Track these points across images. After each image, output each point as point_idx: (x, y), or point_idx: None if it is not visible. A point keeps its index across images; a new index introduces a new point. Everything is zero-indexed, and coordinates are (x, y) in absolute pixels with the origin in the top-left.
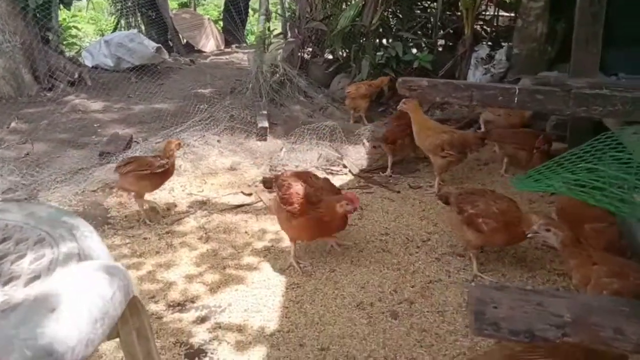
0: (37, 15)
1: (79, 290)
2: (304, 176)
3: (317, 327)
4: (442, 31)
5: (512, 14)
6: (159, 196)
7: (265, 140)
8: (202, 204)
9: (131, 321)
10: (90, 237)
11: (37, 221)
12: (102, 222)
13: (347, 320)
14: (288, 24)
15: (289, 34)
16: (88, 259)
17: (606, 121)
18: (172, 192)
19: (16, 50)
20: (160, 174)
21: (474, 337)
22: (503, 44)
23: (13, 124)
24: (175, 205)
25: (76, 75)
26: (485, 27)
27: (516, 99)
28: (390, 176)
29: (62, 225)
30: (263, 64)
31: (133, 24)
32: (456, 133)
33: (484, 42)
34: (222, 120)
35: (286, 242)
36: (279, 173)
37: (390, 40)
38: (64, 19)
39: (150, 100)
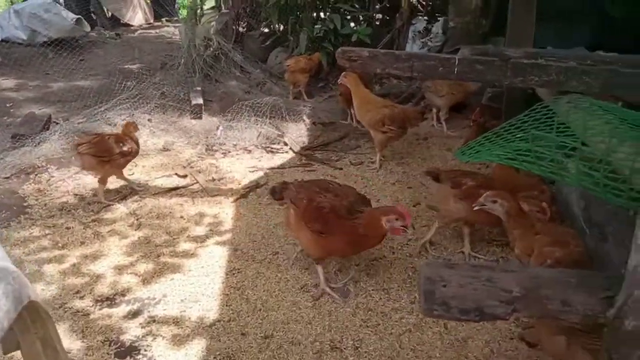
0: None
1: None
2: (322, 185)
3: (260, 314)
4: (379, 4)
5: None
6: (82, 182)
7: (200, 118)
8: (132, 189)
9: (33, 329)
10: None
11: None
12: (18, 212)
13: (292, 304)
14: None
15: (223, 7)
16: None
17: (539, 92)
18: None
19: None
20: (123, 157)
21: (420, 314)
22: (439, 17)
23: None
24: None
25: None
26: (421, 0)
27: (456, 69)
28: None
29: None
30: (196, 38)
31: None
32: (397, 107)
33: (421, 16)
34: (152, 98)
35: (226, 226)
36: (290, 182)
37: (328, 13)
38: None
39: (70, 77)
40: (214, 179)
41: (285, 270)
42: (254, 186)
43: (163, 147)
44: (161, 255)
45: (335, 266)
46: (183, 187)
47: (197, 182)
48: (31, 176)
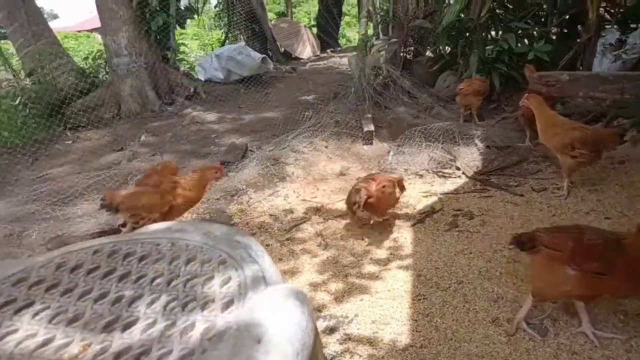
0: (158, 36)
1: (279, 319)
2: (574, 228)
3: (452, 344)
4: (557, 18)
5: None
6: (275, 203)
7: (371, 144)
8: (317, 210)
9: (315, 349)
10: (263, 257)
11: (215, 241)
12: None
13: (484, 337)
14: (390, 25)
15: (390, 35)
16: (270, 282)
17: None
18: (287, 198)
19: (141, 70)
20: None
21: None
22: (633, 25)
23: (143, 137)
24: (292, 212)
25: (192, 90)
26: (609, 8)
27: None
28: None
29: (238, 245)
30: (365, 67)
31: (239, 38)
32: (588, 129)
33: (609, 26)
34: (328, 126)
35: (406, 250)
36: (537, 231)
37: (500, 33)
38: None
39: (258, 110)
40: None
41: (472, 300)
42: (430, 211)
43: (340, 172)
44: (349, 276)
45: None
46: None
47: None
48: (235, 198)
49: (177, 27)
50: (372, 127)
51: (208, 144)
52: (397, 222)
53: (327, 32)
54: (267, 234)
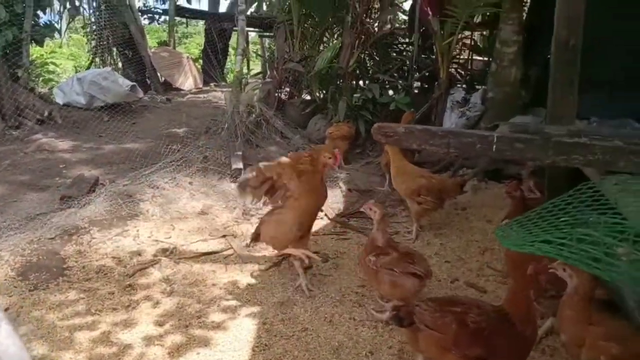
0: (7, 52)
1: None
2: (451, 300)
3: None
4: (417, 74)
5: (486, 58)
6: (121, 244)
7: None
8: (169, 252)
9: None
10: None
11: None
12: (57, 273)
13: None
14: (267, 64)
15: (267, 75)
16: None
17: (585, 169)
18: (137, 239)
19: None
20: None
21: None
22: (477, 87)
23: None
24: (139, 254)
25: (46, 114)
26: (460, 70)
27: (494, 146)
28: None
29: None
30: (239, 104)
31: (109, 62)
32: (434, 178)
33: (459, 85)
34: (194, 161)
35: (258, 296)
36: (415, 304)
37: (367, 82)
38: (41, 55)
39: (121, 140)
40: (248, 245)
41: (314, 350)
42: (287, 254)
43: (201, 210)
44: (190, 327)
45: (365, 348)
46: (217, 252)
47: (232, 247)
48: (74, 237)
49: (34, 45)
50: (241, 165)
51: (52, 174)
52: (254, 265)
53: (212, 65)
54: (105, 279)
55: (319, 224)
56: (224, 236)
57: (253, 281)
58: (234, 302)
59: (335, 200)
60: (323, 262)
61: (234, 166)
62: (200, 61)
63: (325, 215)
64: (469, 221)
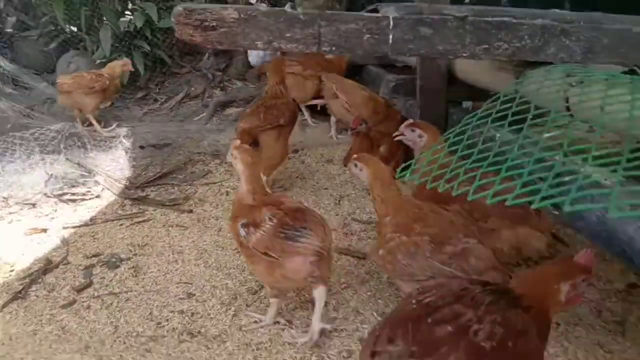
0: None
1: None
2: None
3: None
4: None
5: None
6: None
7: None
8: None
9: None
10: None
11: None
12: None
13: None
14: None
15: None
16: None
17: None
18: None
19: None
20: None
21: None
22: None
23: None
24: None
25: None
26: None
27: (391, 36)
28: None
29: None
30: None
31: None
32: None
33: None
34: None
35: None
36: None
37: (138, 1)
38: None
39: None
40: None
41: None
42: (41, 270)
43: None
44: None
45: None
46: None
47: None
48: None
49: None
50: None
51: None
52: None
53: None
54: None
55: (96, 206)
56: None
57: None
58: None
59: (118, 166)
60: (113, 269)
61: None
62: None
63: (107, 189)
64: (306, 165)
